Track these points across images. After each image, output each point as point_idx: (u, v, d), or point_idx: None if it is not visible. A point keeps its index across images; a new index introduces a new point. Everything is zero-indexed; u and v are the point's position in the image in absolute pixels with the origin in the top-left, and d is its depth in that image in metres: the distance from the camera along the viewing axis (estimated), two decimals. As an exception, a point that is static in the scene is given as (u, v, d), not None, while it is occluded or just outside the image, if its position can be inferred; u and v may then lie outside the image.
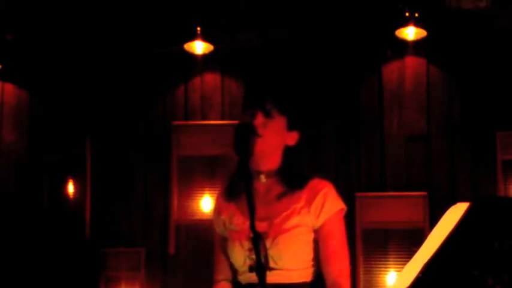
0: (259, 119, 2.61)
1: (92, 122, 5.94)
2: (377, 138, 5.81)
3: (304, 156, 2.73)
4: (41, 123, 5.98)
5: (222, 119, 5.91)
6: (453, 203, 2.24)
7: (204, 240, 5.73)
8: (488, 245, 2.02)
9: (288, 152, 2.68)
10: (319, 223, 2.62)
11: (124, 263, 5.73)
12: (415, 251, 2.22)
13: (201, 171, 5.85)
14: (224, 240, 2.74)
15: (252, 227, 2.39)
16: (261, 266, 2.39)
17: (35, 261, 5.73)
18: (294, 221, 2.60)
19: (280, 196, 2.65)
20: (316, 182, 2.67)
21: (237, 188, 2.65)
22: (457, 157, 5.72)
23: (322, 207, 2.62)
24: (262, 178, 2.67)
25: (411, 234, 5.48)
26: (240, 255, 2.62)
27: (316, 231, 2.63)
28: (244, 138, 2.52)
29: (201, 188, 5.82)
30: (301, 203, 2.63)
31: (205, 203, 5.78)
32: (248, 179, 2.49)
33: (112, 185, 5.90)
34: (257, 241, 2.40)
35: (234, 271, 2.71)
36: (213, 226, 2.81)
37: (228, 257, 2.71)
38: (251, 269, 2.52)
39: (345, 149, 5.80)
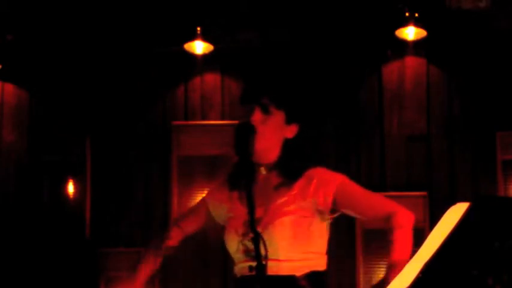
0: (257, 115, 2.64)
1: (92, 122, 5.94)
2: (377, 138, 5.81)
3: (304, 149, 2.75)
4: (41, 123, 5.98)
5: (222, 119, 5.91)
6: (453, 203, 2.24)
7: (204, 240, 5.73)
8: (488, 245, 2.02)
9: (287, 144, 2.70)
10: (329, 199, 2.64)
11: (124, 263, 5.72)
12: (415, 251, 2.21)
13: (201, 171, 5.85)
14: (209, 212, 2.86)
15: (252, 226, 2.40)
16: (261, 266, 2.39)
17: (35, 261, 5.73)
18: (288, 208, 2.63)
19: (277, 187, 2.68)
20: (310, 171, 2.70)
21: (238, 179, 2.69)
22: (457, 157, 5.72)
23: (322, 185, 2.65)
24: (263, 170, 2.71)
25: (411, 234, 5.48)
26: (234, 241, 2.66)
27: (336, 206, 2.66)
28: (244, 138, 2.53)
29: (201, 188, 5.81)
30: (295, 191, 2.65)
31: (205, 203, 5.77)
32: (248, 177, 2.52)
33: (112, 185, 5.90)
34: (257, 240, 2.40)
35: (232, 261, 2.75)
36: (206, 194, 2.89)
37: (195, 216, 2.89)
38: (251, 268, 2.54)
39: (345, 149, 5.80)
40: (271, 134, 2.65)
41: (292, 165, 2.70)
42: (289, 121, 2.70)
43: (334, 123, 5.82)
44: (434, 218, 5.33)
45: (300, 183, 2.67)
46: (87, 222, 5.80)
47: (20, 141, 5.99)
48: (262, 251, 2.43)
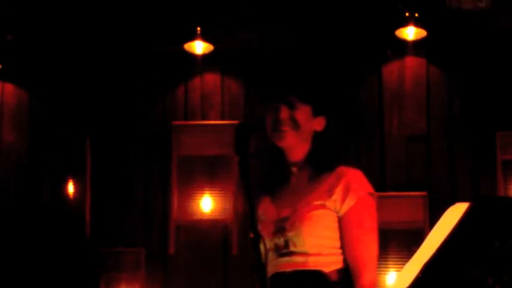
0: (284, 113, 2.66)
1: (92, 122, 5.94)
2: (377, 138, 5.81)
3: (334, 139, 2.77)
4: (41, 123, 5.98)
5: (222, 119, 5.91)
6: (453, 203, 2.25)
7: (204, 240, 5.73)
8: (488, 245, 2.02)
9: (316, 137, 2.73)
10: (344, 210, 2.63)
11: (124, 263, 5.73)
12: (415, 251, 2.22)
13: (201, 171, 5.85)
14: None
15: (253, 227, 2.41)
16: (260, 266, 2.39)
17: (35, 261, 5.72)
18: (315, 203, 2.63)
19: (308, 181, 2.70)
20: (342, 169, 2.69)
21: (270, 181, 2.75)
22: (457, 157, 5.72)
23: (347, 194, 2.63)
24: (294, 170, 2.71)
25: (411, 234, 5.48)
26: (266, 241, 2.63)
27: (341, 218, 2.63)
28: (245, 138, 2.53)
29: (201, 188, 5.81)
30: (324, 187, 2.65)
31: (205, 203, 5.77)
32: (248, 178, 2.51)
33: (112, 185, 5.90)
34: (257, 242, 2.41)
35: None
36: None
37: None
38: (252, 268, 2.54)
39: (345, 149, 5.79)
40: (300, 129, 2.68)
41: (323, 157, 2.71)
42: (316, 113, 2.72)
43: (334, 123, 5.81)
44: (434, 218, 5.31)
45: (330, 180, 2.66)
46: (87, 222, 5.80)
47: (20, 141, 5.98)
48: (262, 251, 2.43)
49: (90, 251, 5.74)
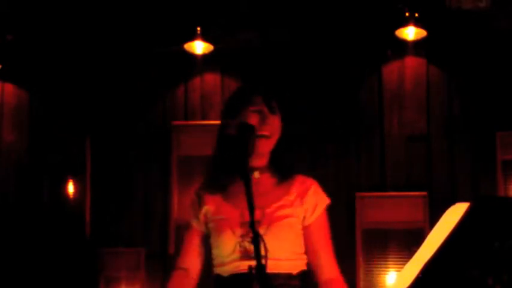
0: (271, 119, 2.68)
1: (92, 122, 5.95)
2: (377, 138, 5.81)
3: (289, 145, 2.79)
4: (41, 123, 5.99)
5: (222, 119, 5.90)
6: (453, 203, 2.24)
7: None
8: (488, 245, 2.02)
9: (277, 144, 2.75)
10: (311, 219, 2.71)
11: (124, 263, 5.73)
12: (415, 251, 2.21)
13: (201, 171, 5.83)
14: (203, 235, 2.76)
15: (252, 227, 2.40)
16: (261, 268, 2.39)
17: (35, 261, 5.73)
18: (286, 211, 2.67)
19: (273, 187, 2.72)
20: (303, 178, 2.75)
21: (223, 181, 2.71)
22: (457, 157, 5.72)
23: (315, 205, 2.71)
24: (256, 174, 2.71)
25: (411, 234, 5.48)
26: (231, 243, 2.64)
27: (307, 226, 2.70)
28: (244, 139, 2.53)
29: (201, 188, 5.81)
30: (292, 196, 2.70)
31: (205, 203, 5.77)
32: (247, 177, 2.51)
33: (112, 185, 5.90)
34: (257, 241, 2.40)
35: (210, 264, 2.74)
36: (188, 220, 2.82)
37: (195, 250, 2.75)
38: (250, 270, 2.53)
39: (345, 149, 5.80)
40: (277, 136, 2.71)
41: (283, 163, 2.73)
42: (282, 121, 2.75)
43: (334, 123, 5.82)
44: (434, 218, 5.31)
45: (296, 188, 2.72)
46: (87, 222, 5.80)
47: (20, 141, 5.99)
48: (262, 251, 2.43)
49: (90, 251, 5.74)
